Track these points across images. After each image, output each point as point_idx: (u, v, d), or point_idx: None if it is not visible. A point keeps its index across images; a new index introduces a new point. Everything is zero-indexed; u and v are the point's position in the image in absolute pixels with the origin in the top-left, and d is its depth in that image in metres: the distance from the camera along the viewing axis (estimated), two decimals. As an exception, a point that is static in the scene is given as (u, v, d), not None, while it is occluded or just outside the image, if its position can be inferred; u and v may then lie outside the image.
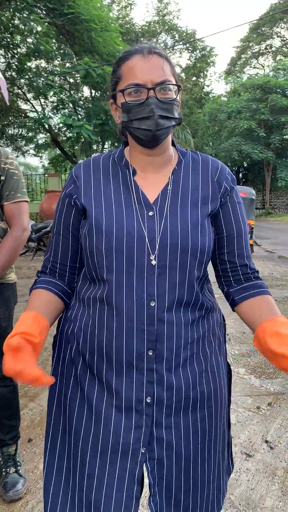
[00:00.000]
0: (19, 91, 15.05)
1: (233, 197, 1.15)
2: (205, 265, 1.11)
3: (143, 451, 1.04)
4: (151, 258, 1.03)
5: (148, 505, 1.07)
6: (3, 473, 2.03)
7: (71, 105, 13.55)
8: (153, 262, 1.03)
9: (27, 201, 1.97)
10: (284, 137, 24.56)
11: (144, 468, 1.07)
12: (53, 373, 1.19)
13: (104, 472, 1.05)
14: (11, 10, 11.31)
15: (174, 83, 1.06)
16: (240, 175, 32.22)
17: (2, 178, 1.87)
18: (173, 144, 1.18)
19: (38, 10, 11.46)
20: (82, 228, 1.11)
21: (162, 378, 1.05)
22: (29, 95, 15.26)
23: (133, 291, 1.03)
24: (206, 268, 1.14)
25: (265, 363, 3.58)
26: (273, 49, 33.80)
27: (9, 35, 12.18)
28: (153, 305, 1.03)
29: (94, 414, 1.08)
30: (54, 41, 12.66)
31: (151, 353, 1.04)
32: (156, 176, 1.11)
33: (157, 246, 1.03)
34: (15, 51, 12.75)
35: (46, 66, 14.24)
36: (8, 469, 2.02)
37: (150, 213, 1.06)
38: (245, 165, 30.41)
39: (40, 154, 21.58)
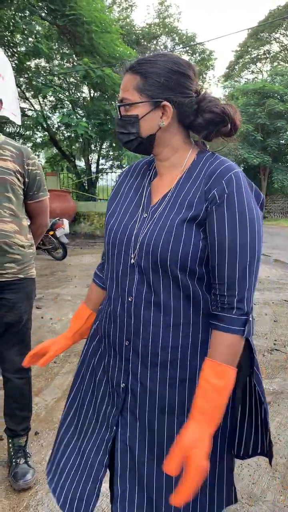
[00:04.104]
0: (18, 89, 15.05)
1: (222, 207, 1.01)
2: (194, 271, 1.05)
3: (115, 428, 1.16)
4: (132, 256, 1.10)
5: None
6: (13, 463, 2.08)
7: (69, 104, 13.58)
8: (132, 261, 1.10)
9: (47, 197, 2.15)
10: (281, 141, 24.67)
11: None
12: (86, 342, 1.35)
13: (91, 436, 1.23)
14: (12, 9, 11.33)
15: (133, 100, 1.06)
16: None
17: (27, 180, 1.98)
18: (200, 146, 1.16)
19: (40, 10, 11.48)
20: None
21: (137, 370, 1.13)
22: (28, 94, 15.27)
23: (118, 285, 1.14)
24: (206, 273, 1.07)
25: (263, 363, 3.65)
26: (272, 54, 33.88)
27: (9, 34, 12.19)
28: (130, 300, 1.11)
29: (96, 388, 1.25)
30: (54, 40, 12.68)
31: (127, 344, 1.13)
32: (167, 180, 1.15)
33: (137, 247, 1.09)
34: (15, 50, 12.75)
35: (46, 65, 14.25)
36: (18, 460, 2.07)
37: (145, 215, 1.12)
38: (242, 169, 30.33)
39: (37, 153, 21.55)
